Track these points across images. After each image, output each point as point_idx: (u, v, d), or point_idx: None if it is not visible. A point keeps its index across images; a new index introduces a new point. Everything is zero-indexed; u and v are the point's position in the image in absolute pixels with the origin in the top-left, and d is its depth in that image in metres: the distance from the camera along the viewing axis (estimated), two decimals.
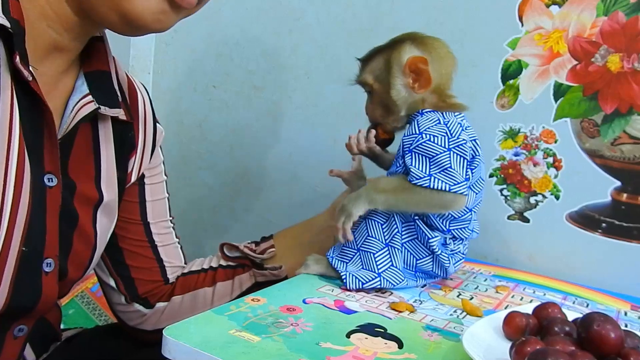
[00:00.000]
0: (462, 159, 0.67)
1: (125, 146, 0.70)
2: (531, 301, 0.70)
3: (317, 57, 1.07)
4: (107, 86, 0.65)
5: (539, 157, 0.88)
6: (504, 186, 0.91)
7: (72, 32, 0.58)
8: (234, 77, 1.18)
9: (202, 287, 0.79)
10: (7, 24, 0.52)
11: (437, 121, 0.69)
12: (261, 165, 1.16)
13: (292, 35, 1.10)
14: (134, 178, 0.73)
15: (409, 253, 0.70)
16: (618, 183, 0.83)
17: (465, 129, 0.70)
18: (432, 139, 0.67)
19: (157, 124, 0.76)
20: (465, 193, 0.66)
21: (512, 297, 0.72)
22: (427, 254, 0.70)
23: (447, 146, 0.67)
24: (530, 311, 0.57)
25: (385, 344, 0.53)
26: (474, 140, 0.70)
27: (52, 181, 0.58)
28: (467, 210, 0.70)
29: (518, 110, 0.89)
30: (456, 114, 0.71)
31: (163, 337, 0.50)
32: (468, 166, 0.69)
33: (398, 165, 0.70)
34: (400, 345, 0.53)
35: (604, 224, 0.84)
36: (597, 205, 0.85)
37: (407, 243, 0.69)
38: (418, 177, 0.66)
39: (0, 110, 0.52)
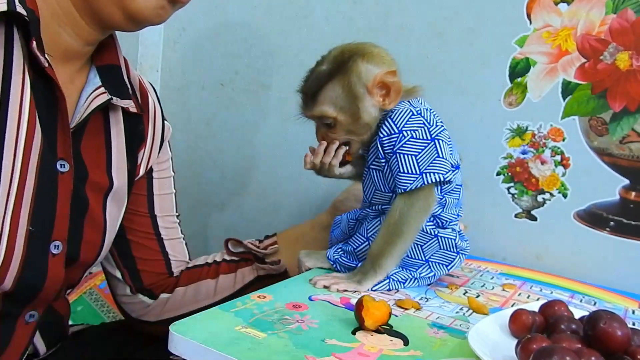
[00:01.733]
0: (445, 143, 0.66)
1: (135, 139, 0.72)
2: (538, 299, 0.70)
3: None
4: (118, 79, 0.68)
5: (547, 155, 0.88)
6: (512, 184, 0.91)
7: (83, 38, 0.62)
8: (242, 75, 1.18)
9: (205, 279, 0.81)
10: (24, 12, 0.54)
11: (410, 113, 0.66)
12: (268, 162, 1.17)
13: (301, 34, 1.10)
14: (142, 171, 0.75)
15: (438, 264, 0.70)
16: (626, 181, 0.83)
17: (430, 111, 0.69)
18: (413, 135, 0.65)
19: (165, 121, 0.78)
20: (451, 179, 0.66)
21: (519, 295, 0.72)
22: (454, 256, 0.70)
23: (429, 137, 0.65)
24: (536, 309, 0.57)
25: (391, 340, 0.53)
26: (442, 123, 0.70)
27: (64, 167, 0.60)
28: (459, 187, 0.71)
29: (526, 108, 0.88)
30: (417, 99, 0.69)
31: (169, 333, 0.50)
32: (457, 166, 0.69)
33: (376, 167, 0.68)
34: (406, 342, 0.53)
35: (612, 223, 0.84)
36: (605, 203, 0.84)
37: (433, 257, 0.70)
38: (410, 182, 0.64)
39: (12, 95, 0.54)
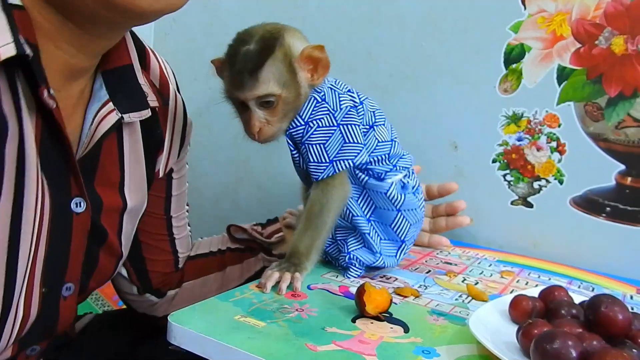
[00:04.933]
0: (354, 126, 0.64)
1: (153, 144, 0.65)
2: (536, 286, 0.70)
3: None
4: (131, 84, 0.58)
5: (543, 142, 0.87)
6: (507, 171, 0.90)
7: (84, 50, 0.51)
8: None
9: (212, 272, 0.79)
10: (30, 52, 0.45)
11: (315, 101, 0.64)
12: (263, 154, 1.16)
13: (294, 24, 1.08)
14: (161, 174, 0.68)
15: (378, 223, 0.68)
16: (622, 167, 0.83)
17: (339, 87, 0.67)
18: (319, 124, 0.63)
19: (187, 116, 0.71)
20: (365, 160, 0.65)
21: (517, 281, 0.72)
22: (395, 215, 0.67)
23: (334, 124, 0.64)
24: (536, 295, 0.57)
25: (391, 328, 0.53)
26: (349, 91, 0.67)
27: (80, 206, 0.54)
28: (386, 142, 0.68)
29: (521, 94, 0.88)
30: (329, 81, 0.67)
31: (168, 324, 0.50)
32: (371, 125, 0.67)
33: (297, 158, 0.66)
34: (406, 329, 0.53)
35: (608, 208, 0.84)
36: (601, 189, 0.84)
37: (372, 216, 0.68)
38: (321, 171, 0.63)
39: (27, 151, 0.47)
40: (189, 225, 0.79)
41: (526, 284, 0.71)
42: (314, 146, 0.63)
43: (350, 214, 0.66)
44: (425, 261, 0.77)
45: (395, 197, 0.66)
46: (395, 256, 0.69)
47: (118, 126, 0.57)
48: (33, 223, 0.49)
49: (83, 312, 0.87)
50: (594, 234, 0.85)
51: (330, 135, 0.63)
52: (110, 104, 0.55)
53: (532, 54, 0.87)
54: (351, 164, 0.64)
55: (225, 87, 0.64)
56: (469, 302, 0.62)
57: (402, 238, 0.68)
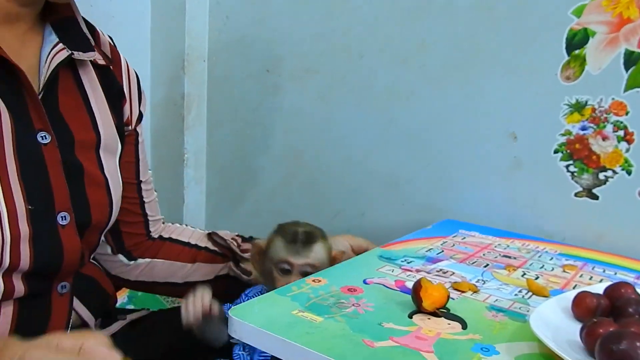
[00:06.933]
0: None
1: (115, 94, 0.72)
2: (601, 281, 0.67)
3: (369, 37, 1.05)
4: (76, 31, 0.66)
5: (609, 131, 0.83)
6: (571, 162, 0.87)
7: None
8: (287, 61, 1.18)
9: (182, 260, 0.84)
10: None
11: None
12: (315, 148, 1.16)
13: (344, 17, 1.08)
14: (133, 124, 0.75)
15: None
16: None
17: None
18: None
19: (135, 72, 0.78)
20: None
21: (581, 276, 0.69)
22: None
23: None
24: (601, 291, 0.55)
25: (449, 324, 0.52)
26: None
27: (45, 138, 0.60)
28: None
29: (585, 81, 0.84)
30: None
31: (229, 317, 0.52)
32: None
33: None
34: (464, 325, 0.52)
35: None
36: None
37: None
38: None
39: None
40: (155, 192, 0.85)
41: (590, 278, 0.69)
42: None
43: None
44: (483, 254, 0.75)
45: None
46: None
47: (73, 65, 0.64)
48: None
49: (145, 306, 0.91)
50: None
51: None
52: (61, 44, 0.63)
53: (596, 39, 0.83)
54: None
55: (275, 254, 0.68)
56: (529, 298, 0.60)
57: None
